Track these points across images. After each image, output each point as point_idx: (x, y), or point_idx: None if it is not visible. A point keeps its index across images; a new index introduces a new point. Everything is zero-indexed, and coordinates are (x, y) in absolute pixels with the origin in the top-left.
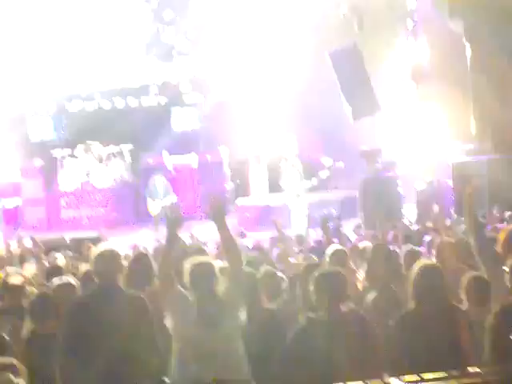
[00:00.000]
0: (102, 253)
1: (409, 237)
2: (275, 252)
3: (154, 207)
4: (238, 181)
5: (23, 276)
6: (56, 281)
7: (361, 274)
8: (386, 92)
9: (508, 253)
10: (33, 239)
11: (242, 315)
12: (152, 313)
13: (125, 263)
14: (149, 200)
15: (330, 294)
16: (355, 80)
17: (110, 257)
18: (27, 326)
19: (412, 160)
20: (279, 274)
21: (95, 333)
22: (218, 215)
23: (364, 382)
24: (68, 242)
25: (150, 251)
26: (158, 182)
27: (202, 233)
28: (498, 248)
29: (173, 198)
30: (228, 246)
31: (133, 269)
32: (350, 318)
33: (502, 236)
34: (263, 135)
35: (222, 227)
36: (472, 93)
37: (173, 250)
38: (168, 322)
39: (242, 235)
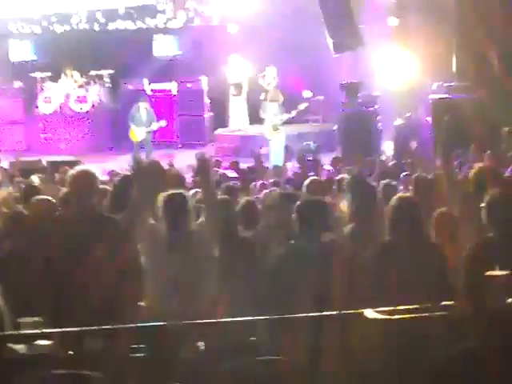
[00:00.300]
0: (79, 174)
1: (386, 172)
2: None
3: (138, 134)
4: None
5: None
6: (34, 198)
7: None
8: (370, 26)
9: (477, 191)
10: (9, 161)
11: (216, 246)
12: (129, 236)
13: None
14: (132, 126)
15: (312, 223)
16: (339, 13)
17: (87, 178)
18: (3, 246)
19: (392, 96)
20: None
21: (73, 254)
22: (203, 173)
23: (339, 312)
24: (45, 164)
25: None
26: (142, 108)
27: (180, 160)
28: (470, 187)
29: (162, 123)
30: (208, 196)
31: (116, 193)
32: (329, 247)
33: (471, 175)
34: (244, 66)
35: (206, 182)
36: (456, 29)
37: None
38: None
39: (218, 164)
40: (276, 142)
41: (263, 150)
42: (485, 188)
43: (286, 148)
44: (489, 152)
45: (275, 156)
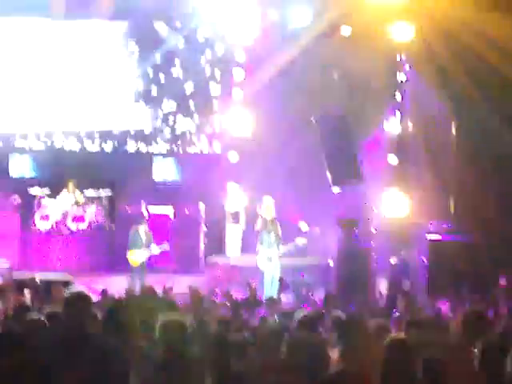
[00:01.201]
0: (73, 295)
1: (378, 311)
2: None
3: (138, 257)
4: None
5: None
6: (27, 316)
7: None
8: (369, 162)
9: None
10: (2, 276)
11: (209, 377)
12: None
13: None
14: (132, 250)
15: (304, 363)
16: (339, 148)
17: (82, 300)
18: None
19: (389, 233)
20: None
21: (60, 371)
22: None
23: None
24: (38, 282)
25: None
26: (141, 231)
27: (174, 285)
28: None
29: (165, 247)
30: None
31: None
32: None
33: (458, 319)
34: (242, 194)
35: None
36: (453, 173)
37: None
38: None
39: (212, 292)
40: (270, 273)
41: (256, 280)
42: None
43: (281, 280)
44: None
45: (269, 288)
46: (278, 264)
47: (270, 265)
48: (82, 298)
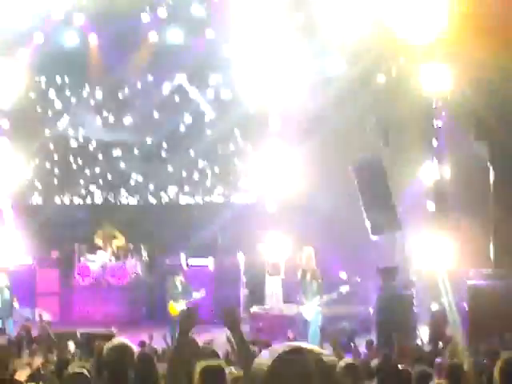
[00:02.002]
0: (115, 345)
1: (421, 358)
2: None
3: (177, 307)
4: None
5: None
6: (70, 369)
7: None
8: (407, 210)
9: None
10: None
11: None
12: None
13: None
14: (170, 301)
15: None
16: (377, 196)
17: (123, 350)
18: None
19: (429, 280)
20: None
21: None
22: (232, 323)
23: None
24: (79, 337)
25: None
26: (178, 281)
27: (215, 337)
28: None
29: (202, 293)
30: (241, 350)
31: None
32: None
33: (497, 365)
34: (282, 244)
35: (236, 332)
36: (492, 219)
37: (183, 349)
38: None
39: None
40: (314, 322)
41: (295, 331)
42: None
43: (322, 329)
44: None
45: (313, 337)
46: (319, 313)
47: (311, 313)
48: (123, 348)
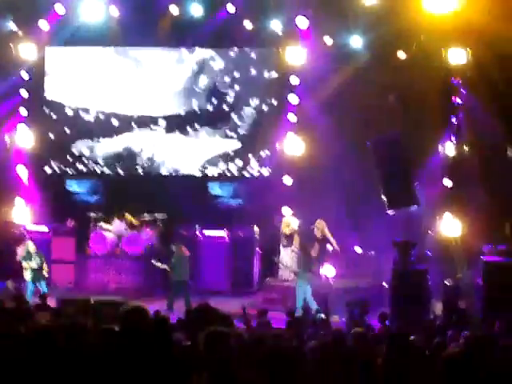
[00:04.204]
0: (133, 308)
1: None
2: None
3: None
4: (275, 258)
5: None
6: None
7: None
8: (424, 185)
9: None
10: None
11: None
12: None
13: None
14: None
15: None
16: (395, 171)
17: (139, 313)
18: None
19: (444, 256)
20: None
21: None
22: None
23: None
24: (92, 303)
25: None
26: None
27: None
28: None
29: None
30: None
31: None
32: None
33: None
34: (296, 216)
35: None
36: (509, 196)
37: None
38: None
39: (263, 313)
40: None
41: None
42: None
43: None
44: None
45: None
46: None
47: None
48: (139, 310)
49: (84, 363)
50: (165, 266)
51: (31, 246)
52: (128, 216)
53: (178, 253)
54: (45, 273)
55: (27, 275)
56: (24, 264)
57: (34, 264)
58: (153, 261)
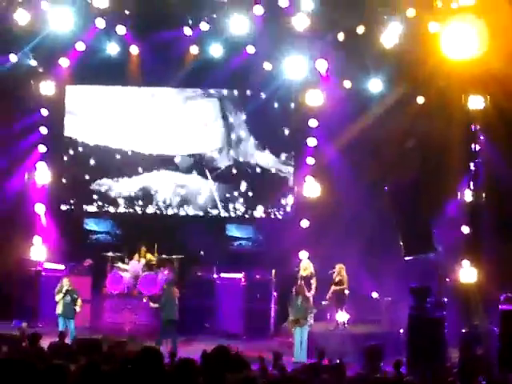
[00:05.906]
0: (147, 349)
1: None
2: None
3: None
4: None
5: None
6: None
7: None
8: (442, 232)
9: None
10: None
11: None
12: None
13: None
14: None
15: None
16: (412, 217)
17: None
18: None
19: (461, 302)
20: None
21: None
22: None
23: None
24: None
25: None
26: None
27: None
28: None
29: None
30: None
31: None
32: None
33: None
34: (314, 261)
35: None
36: None
37: None
38: None
39: (278, 356)
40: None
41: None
42: None
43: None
44: None
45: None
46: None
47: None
48: (153, 353)
49: None
50: (156, 305)
51: (66, 282)
52: (144, 251)
53: (168, 292)
54: (78, 308)
55: (58, 309)
56: (57, 298)
57: (67, 299)
58: (144, 300)
